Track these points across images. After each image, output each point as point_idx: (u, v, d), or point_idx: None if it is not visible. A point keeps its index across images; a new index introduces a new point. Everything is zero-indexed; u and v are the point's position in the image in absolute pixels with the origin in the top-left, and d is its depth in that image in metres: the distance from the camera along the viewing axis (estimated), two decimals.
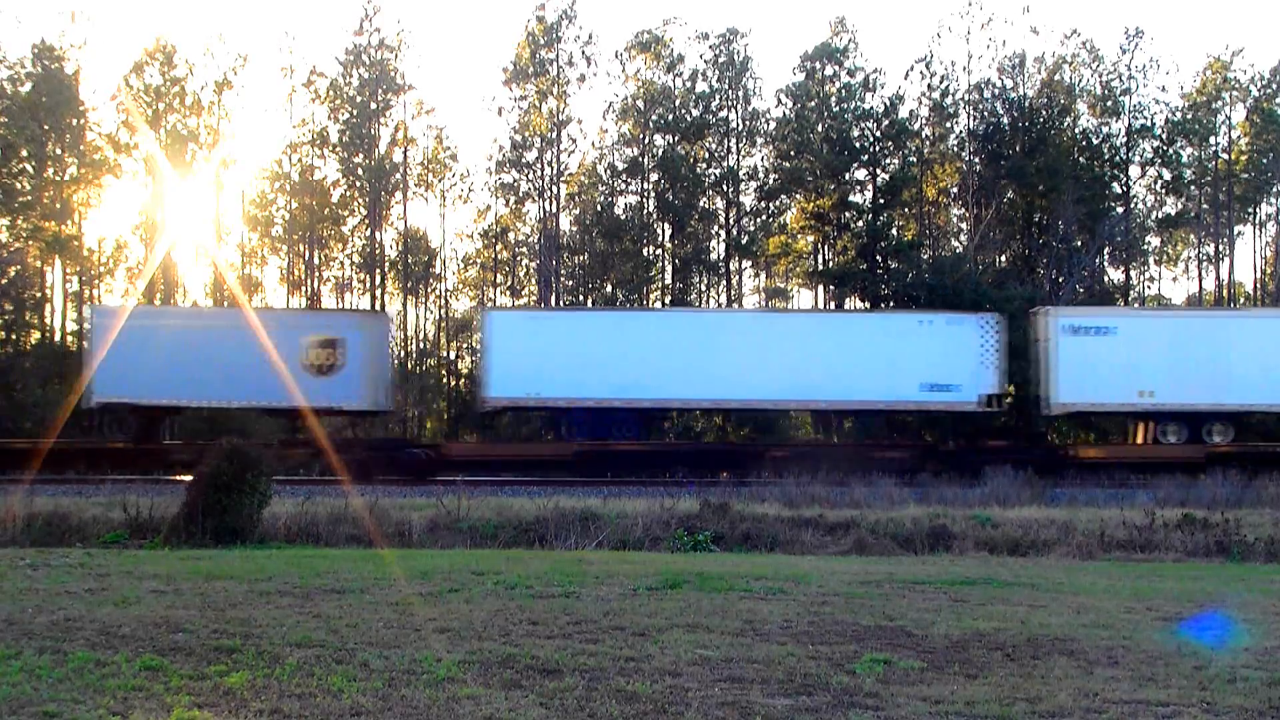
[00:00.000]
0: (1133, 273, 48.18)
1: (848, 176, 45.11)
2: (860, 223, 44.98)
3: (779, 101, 46.47)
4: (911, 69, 48.17)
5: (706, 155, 46.38)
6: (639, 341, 29.79)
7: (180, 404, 30.70)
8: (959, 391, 29.03)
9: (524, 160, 45.86)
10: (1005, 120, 44.45)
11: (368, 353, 30.04)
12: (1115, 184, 46.15)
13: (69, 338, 43.75)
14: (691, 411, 33.35)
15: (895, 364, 29.06)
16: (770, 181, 46.27)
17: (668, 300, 45.65)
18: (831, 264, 45.59)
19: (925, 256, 43.83)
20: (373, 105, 45.45)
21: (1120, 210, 45.43)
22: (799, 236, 47.93)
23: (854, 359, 29.23)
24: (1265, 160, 45.44)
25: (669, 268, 46.95)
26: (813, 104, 45.26)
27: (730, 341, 29.77)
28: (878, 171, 45.01)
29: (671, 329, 30.64)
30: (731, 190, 46.51)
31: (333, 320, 32.41)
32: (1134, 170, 46.54)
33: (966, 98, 45.03)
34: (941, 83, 45.11)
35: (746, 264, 47.93)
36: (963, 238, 46.51)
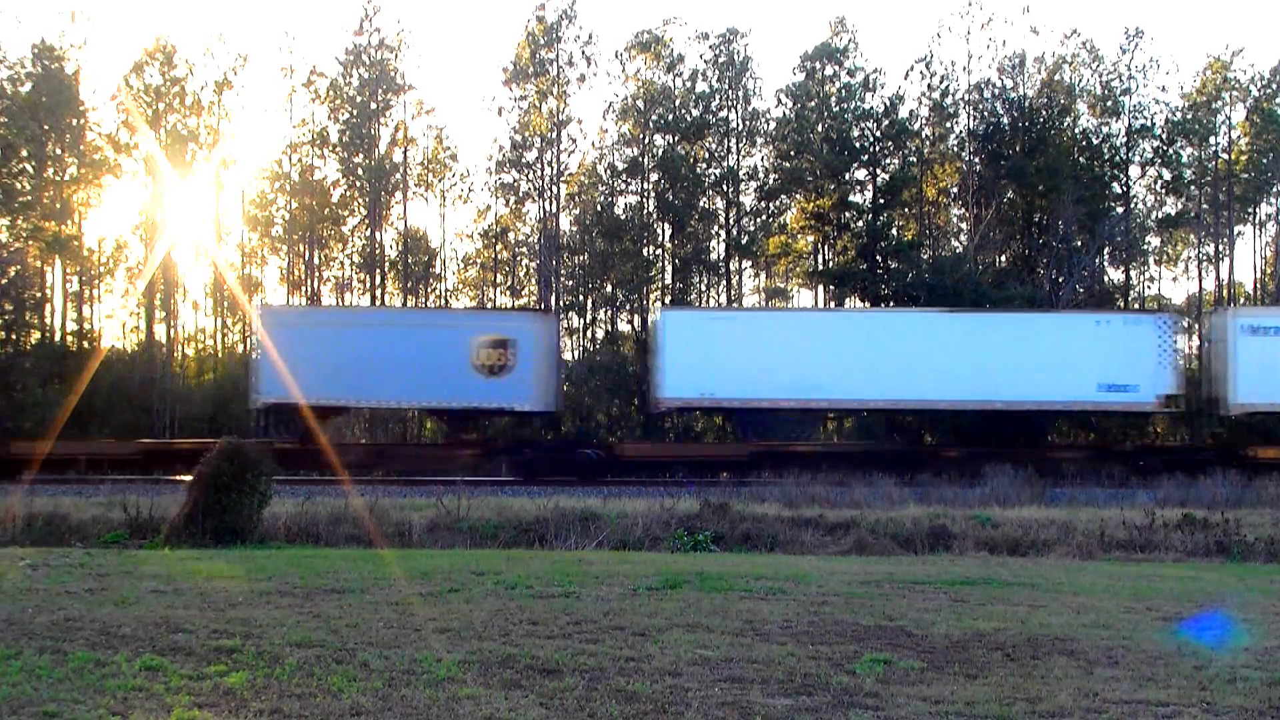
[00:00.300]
0: (1133, 273, 48.18)
1: (848, 176, 45.09)
2: (860, 223, 44.95)
3: (779, 101, 46.48)
4: (911, 69, 48.19)
5: (706, 155, 46.36)
6: (813, 341, 29.64)
7: (347, 404, 30.76)
8: (1136, 392, 28.79)
9: (524, 160, 45.84)
10: (1005, 120, 44.43)
11: (538, 352, 29.88)
12: (1115, 184, 46.13)
13: (69, 338, 43.76)
14: (860, 412, 32.86)
15: (1072, 364, 28.87)
16: (770, 181, 46.25)
17: (667, 300, 45.64)
18: (831, 264, 45.57)
19: (925, 256, 43.80)
20: (373, 105, 45.44)
21: (1120, 210, 45.41)
22: (799, 236, 47.91)
23: (1029, 359, 29.03)
24: (1265, 160, 45.41)
25: (669, 268, 46.93)
26: (813, 104, 45.24)
27: (905, 341, 29.55)
28: (878, 171, 45.00)
29: (845, 329, 30.56)
30: (731, 190, 46.50)
31: (504, 320, 32.14)
32: (1134, 170, 46.54)
33: (966, 98, 45.02)
34: (941, 83, 45.11)
35: (746, 264, 47.91)
36: (963, 238, 46.49)
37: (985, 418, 30.18)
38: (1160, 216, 47.69)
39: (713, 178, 46.17)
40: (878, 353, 29.25)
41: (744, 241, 45.83)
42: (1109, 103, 45.39)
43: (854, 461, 26.79)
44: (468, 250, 50.10)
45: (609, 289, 45.41)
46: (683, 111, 45.53)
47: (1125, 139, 45.67)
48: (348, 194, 46.78)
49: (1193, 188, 47.11)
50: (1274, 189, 46.66)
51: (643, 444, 33.66)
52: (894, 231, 44.65)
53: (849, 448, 31.69)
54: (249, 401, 30.76)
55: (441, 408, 30.35)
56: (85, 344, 42.68)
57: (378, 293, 46.68)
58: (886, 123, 44.39)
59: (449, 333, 29.81)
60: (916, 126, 45.71)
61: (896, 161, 45.31)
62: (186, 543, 15.04)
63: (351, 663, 6.79)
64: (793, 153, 45.14)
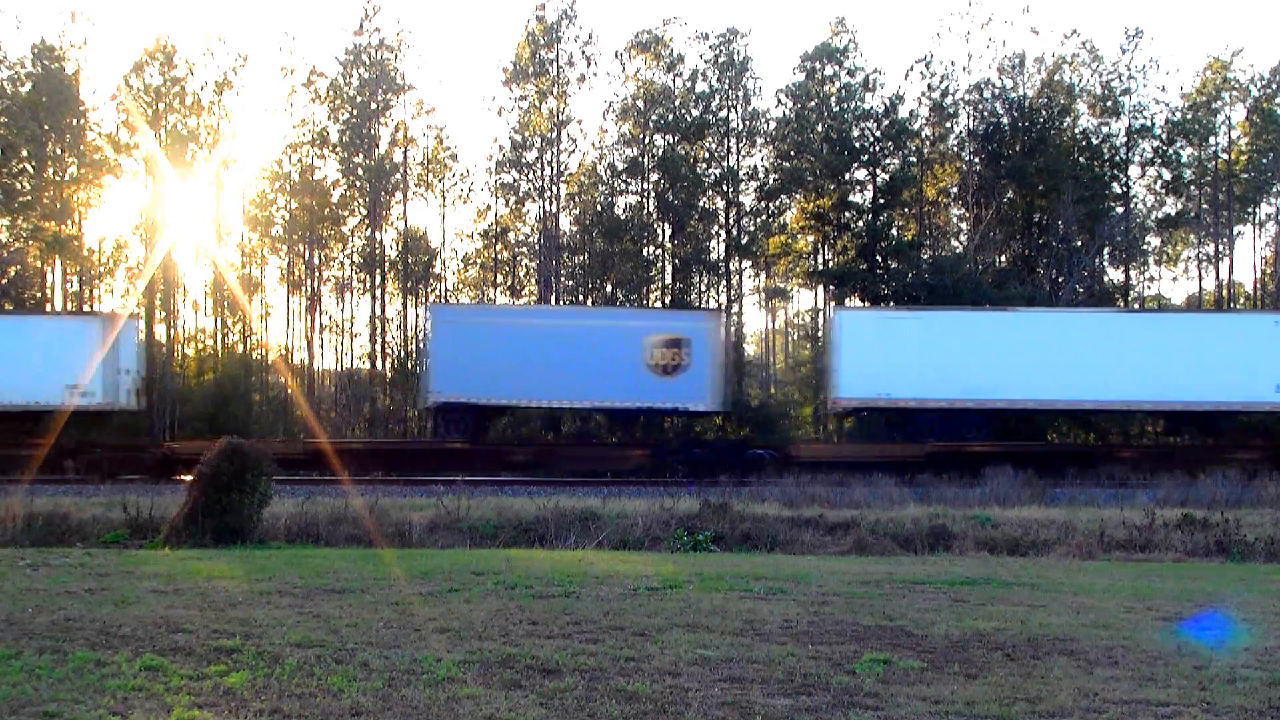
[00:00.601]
0: (1133, 273, 48.19)
1: (848, 176, 45.09)
2: (860, 223, 44.96)
3: (779, 101, 46.49)
4: (911, 69, 48.22)
5: (706, 155, 46.36)
6: (991, 341, 29.50)
7: (518, 404, 30.69)
8: None
9: (524, 160, 45.85)
10: (1005, 120, 44.43)
11: (711, 352, 29.77)
12: (1115, 184, 46.13)
13: None
14: (1037, 412, 32.65)
15: (1249, 364, 28.71)
16: (770, 181, 46.25)
17: (668, 300, 45.63)
18: (831, 264, 45.56)
19: (925, 256, 43.80)
20: (373, 105, 45.44)
21: (1120, 210, 45.42)
22: (799, 236, 47.91)
23: (1207, 359, 28.84)
24: (1265, 160, 45.41)
25: (669, 268, 46.93)
26: (813, 104, 45.24)
27: (1081, 341, 29.36)
28: (878, 171, 45.00)
29: (1023, 328, 30.32)
30: (731, 190, 46.50)
31: (677, 319, 32.00)
32: (1134, 170, 46.57)
33: (966, 98, 45.03)
34: (941, 83, 45.12)
35: (746, 264, 47.91)
36: (963, 238, 46.51)
37: (1162, 418, 29.97)
38: (1160, 216, 47.71)
39: (713, 178, 46.17)
40: (1054, 353, 29.07)
41: (744, 241, 45.83)
42: (1109, 103, 45.38)
43: (1033, 461, 26.40)
44: (468, 250, 50.16)
45: (609, 289, 45.40)
46: (683, 111, 45.53)
47: (1125, 139, 45.68)
48: (348, 194, 46.78)
49: (1193, 188, 47.12)
50: (1274, 189, 46.67)
51: (817, 445, 33.35)
52: (894, 231, 44.66)
53: (1026, 448, 31.13)
54: (420, 400, 30.53)
55: (613, 407, 30.28)
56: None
57: (378, 293, 46.71)
58: (886, 123, 44.39)
59: (622, 332, 29.77)
60: (916, 126, 45.72)
61: (896, 161, 45.31)
62: (186, 543, 15.04)
63: (351, 663, 6.79)
64: (793, 153, 45.15)
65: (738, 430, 36.64)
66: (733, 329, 32.96)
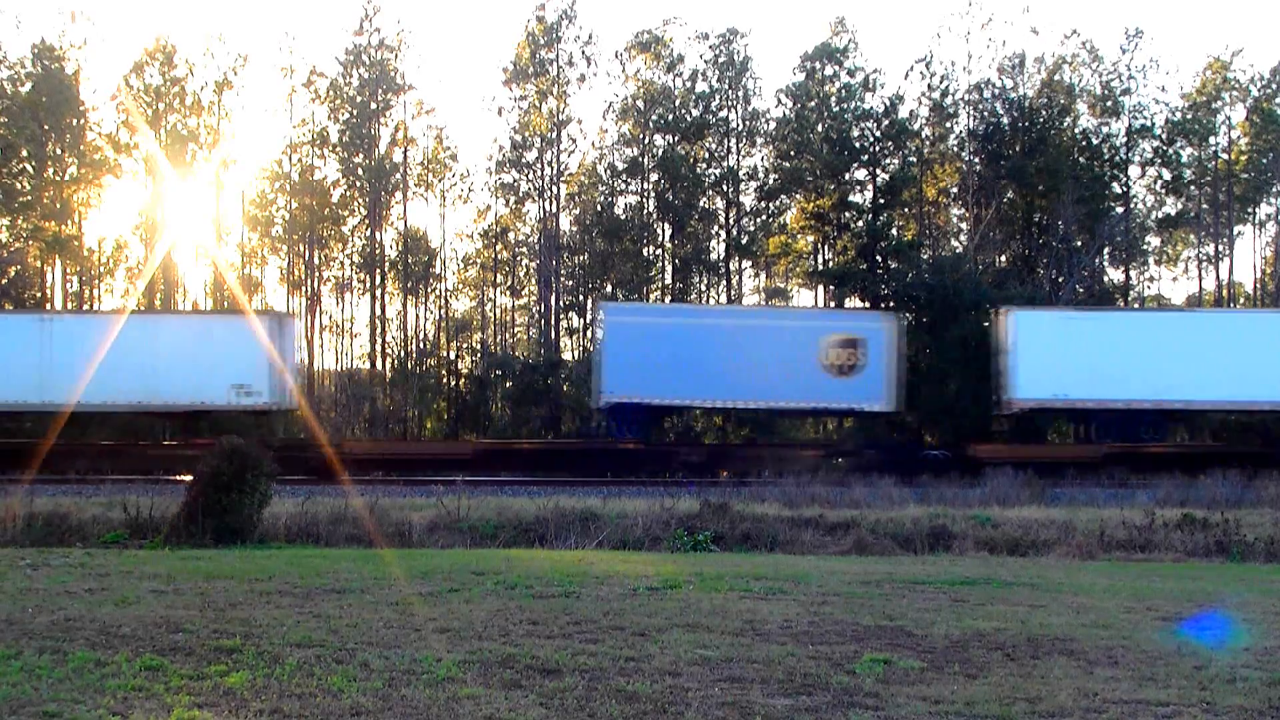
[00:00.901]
0: (1133, 273, 48.17)
1: (848, 176, 45.07)
2: (860, 223, 44.94)
3: (779, 101, 46.46)
4: (911, 69, 48.18)
5: (706, 155, 46.35)
6: (1168, 342, 29.41)
7: (691, 404, 30.64)
8: None
9: (524, 160, 45.83)
10: (1005, 120, 44.41)
11: (886, 352, 29.72)
12: (1115, 184, 46.10)
13: None
14: (1217, 413, 32.44)
15: None
16: (770, 181, 46.24)
17: (667, 300, 45.63)
18: (831, 264, 45.55)
19: (925, 256, 43.76)
20: (373, 105, 45.43)
21: (1120, 210, 45.40)
22: (799, 236, 47.89)
23: None
24: (1265, 160, 45.40)
25: (669, 268, 46.92)
26: (813, 104, 45.22)
27: (1257, 341, 29.25)
28: (878, 171, 44.99)
29: (1200, 329, 30.27)
30: (731, 190, 46.49)
31: (854, 319, 31.95)
32: (1134, 170, 46.52)
33: (966, 98, 45.00)
34: (941, 83, 45.09)
35: (746, 264, 47.91)
36: (963, 238, 46.48)
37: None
38: (1160, 216, 47.69)
39: (713, 178, 46.16)
40: (1227, 353, 28.91)
41: (744, 241, 45.83)
42: (1109, 103, 45.36)
43: (1216, 460, 26.18)
44: (468, 250, 50.14)
45: (609, 289, 45.39)
46: (683, 111, 45.52)
47: (1125, 139, 45.66)
48: (348, 194, 46.76)
49: (1193, 188, 47.10)
50: (1274, 189, 46.66)
51: (995, 445, 33.15)
52: (894, 231, 44.63)
53: (1204, 448, 31.18)
54: (591, 400, 30.48)
55: (788, 408, 30.20)
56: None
57: (378, 293, 46.70)
58: (886, 123, 44.37)
59: (797, 332, 29.72)
60: (916, 126, 45.69)
61: (896, 161, 45.30)
62: (186, 543, 15.04)
63: (351, 663, 6.79)
64: (793, 153, 45.13)
65: (911, 431, 36.51)
66: (905, 330, 32.91)
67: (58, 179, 43.32)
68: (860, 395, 29.35)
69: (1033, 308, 33.37)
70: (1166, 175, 46.35)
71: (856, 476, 24.23)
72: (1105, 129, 46.09)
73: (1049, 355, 29.07)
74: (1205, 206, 47.27)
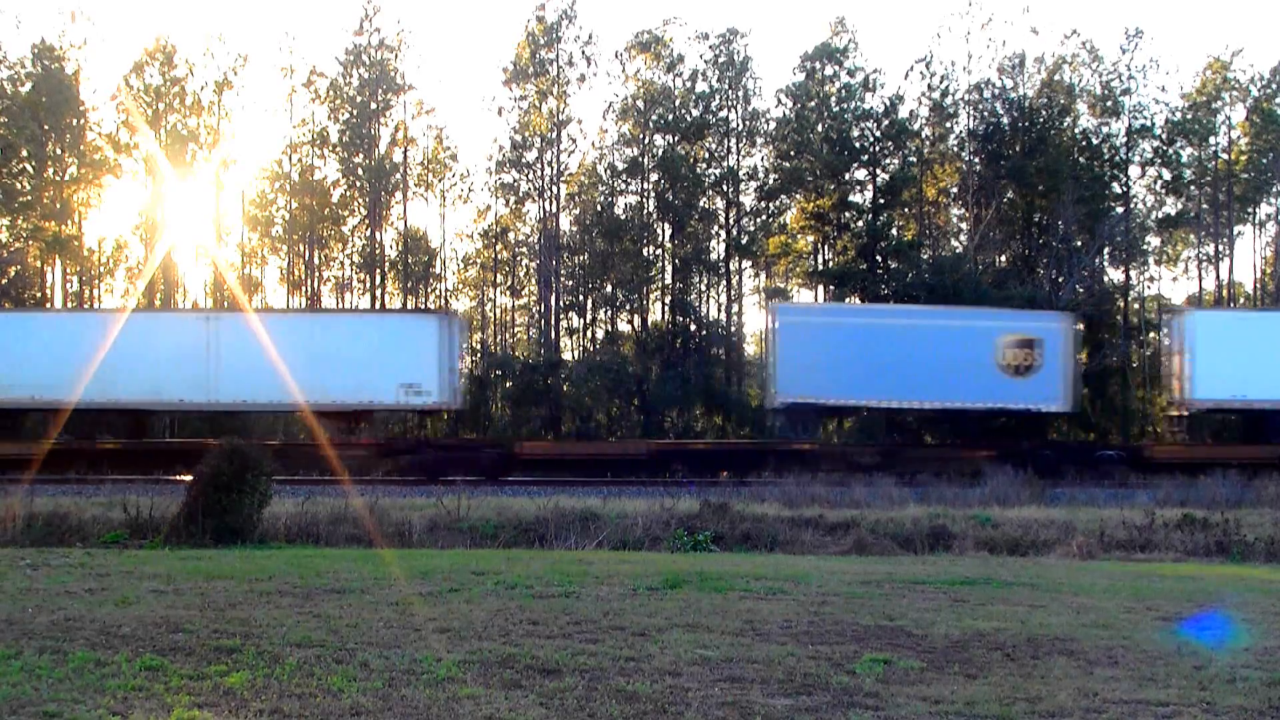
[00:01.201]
0: (1133, 273, 48.15)
1: (848, 176, 45.08)
2: (860, 223, 44.96)
3: (779, 101, 46.48)
4: (911, 69, 48.17)
5: (706, 155, 46.35)
6: None
7: (866, 404, 30.52)
8: None
9: (524, 160, 45.82)
10: (1005, 120, 44.41)
11: (1062, 352, 29.65)
12: (1115, 184, 46.11)
13: None
14: None
15: None
16: (770, 181, 46.24)
17: (668, 300, 45.61)
18: (831, 264, 45.56)
19: (925, 256, 43.79)
20: (373, 105, 45.43)
21: (1120, 210, 45.40)
22: (799, 236, 47.90)
23: None
24: (1265, 160, 45.39)
25: (669, 268, 46.91)
26: (813, 104, 45.23)
27: None
28: (878, 171, 45.00)
29: None
30: (731, 190, 46.49)
31: (1030, 320, 31.64)
32: (1134, 170, 46.53)
33: (966, 98, 45.01)
34: (941, 83, 45.10)
35: (746, 264, 47.91)
36: (963, 238, 46.49)
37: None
38: (1160, 216, 47.68)
39: (713, 178, 46.16)
40: None
41: (744, 241, 45.83)
42: (1109, 103, 45.37)
43: None
44: (468, 250, 50.14)
45: (609, 289, 45.39)
46: (683, 111, 45.51)
47: (1125, 139, 45.66)
48: (348, 194, 46.77)
49: (1193, 188, 47.09)
50: (1274, 189, 46.65)
51: (1171, 446, 32.81)
52: (894, 231, 44.65)
53: None
54: (764, 400, 30.34)
55: (963, 408, 30.04)
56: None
57: (378, 293, 46.69)
58: (886, 123, 44.38)
59: (972, 332, 29.59)
60: (916, 126, 45.71)
61: (896, 161, 45.31)
62: (186, 543, 15.04)
63: (351, 663, 6.79)
64: (793, 153, 45.14)
65: (1086, 431, 36.32)
66: (1079, 330, 32.86)
67: (58, 179, 43.33)
68: (1036, 396, 29.27)
69: (1211, 309, 33.13)
70: (1166, 175, 46.35)
71: (858, 477, 24.22)
72: (1105, 129, 46.11)
73: (1227, 356, 29.05)
74: (1205, 206, 47.26)
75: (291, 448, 29.64)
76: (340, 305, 47.07)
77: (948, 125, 46.29)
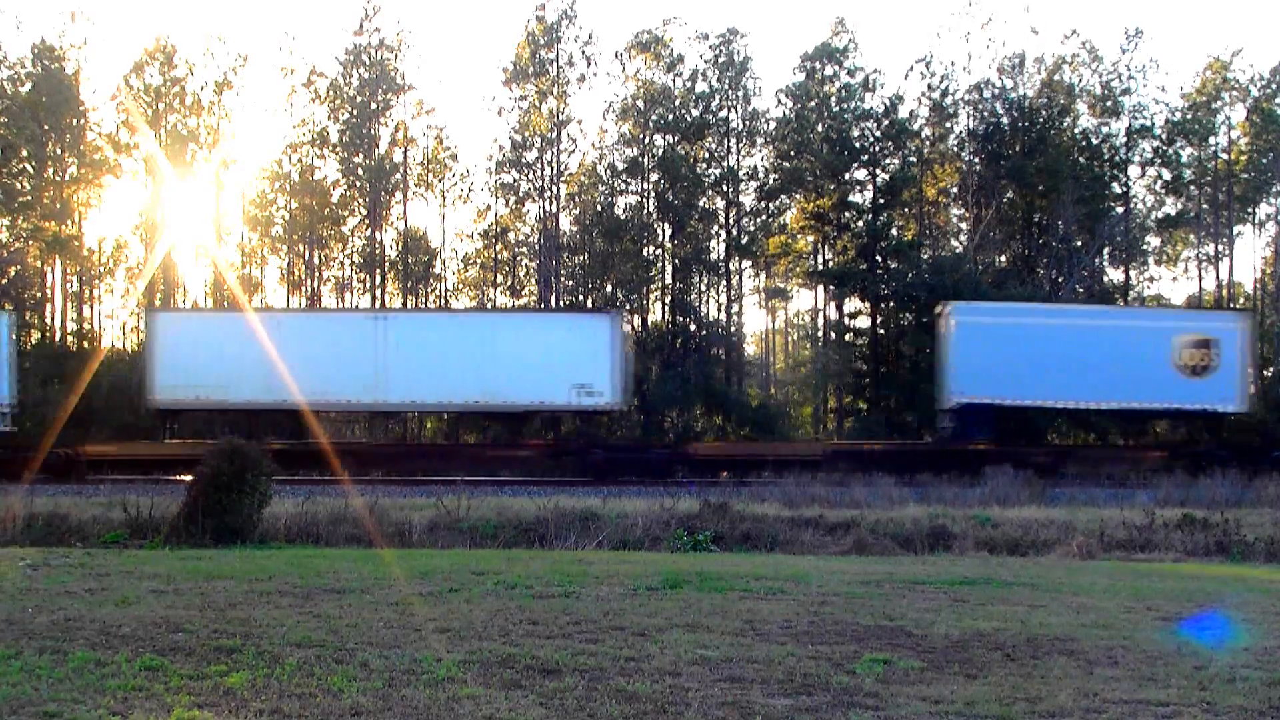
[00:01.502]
0: (1133, 273, 48.15)
1: (848, 176, 45.07)
2: (860, 223, 44.95)
3: (779, 101, 46.46)
4: (911, 69, 48.19)
5: (706, 155, 46.34)
6: None
7: (1041, 405, 30.50)
8: None
9: (524, 160, 45.82)
10: (1005, 120, 44.41)
11: (1239, 353, 29.59)
12: (1115, 184, 46.10)
13: (69, 338, 43.72)
14: None
15: None
16: (770, 181, 46.23)
17: (668, 300, 45.60)
18: (831, 264, 45.56)
19: (925, 256, 43.79)
20: (373, 105, 45.43)
21: (1120, 210, 45.40)
22: (799, 236, 47.89)
23: None
24: (1265, 160, 45.38)
25: (669, 268, 46.90)
26: (813, 104, 45.22)
27: None
28: (878, 171, 44.99)
29: None
30: (731, 190, 46.47)
31: (1207, 320, 31.70)
32: (1134, 170, 46.52)
33: (966, 98, 45.02)
34: (941, 83, 45.11)
35: (746, 264, 47.90)
36: (963, 238, 46.49)
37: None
38: (1160, 216, 47.67)
39: (713, 178, 46.14)
40: None
41: (744, 241, 45.82)
42: (1109, 103, 45.35)
43: None
44: (468, 250, 50.13)
45: (609, 289, 45.37)
46: (683, 111, 45.50)
47: (1125, 139, 45.65)
48: (348, 194, 46.78)
49: (1193, 188, 47.08)
50: (1274, 189, 46.63)
51: None
52: (894, 231, 44.65)
53: None
54: (939, 400, 30.63)
55: (1138, 408, 30.01)
56: (85, 344, 42.62)
57: (378, 293, 46.68)
58: (886, 123, 44.38)
59: (1151, 332, 29.59)
60: (916, 126, 45.70)
61: (896, 161, 45.30)
62: (186, 543, 15.04)
63: (351, 663, 6.79)
64: (793, 153, 45.13)
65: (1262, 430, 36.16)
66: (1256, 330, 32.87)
67: (58, 179, 43.32)
68: (1213, 396, 29.23)
69: None
70: (1166, 175, 46.34)
71: (856, 476, 24.21)
72: (1105, 129, 46.09)
73: None
74: (1205, 206, 47.25)
75: (460, 448, 29.42)
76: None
77: (948, 125, 46.29)
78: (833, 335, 46.61)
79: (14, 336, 30.16)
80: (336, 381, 28.54)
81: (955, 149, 46.40)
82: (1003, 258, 46.12)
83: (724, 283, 46.81)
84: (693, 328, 44.27)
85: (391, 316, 30.37)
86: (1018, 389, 29.23)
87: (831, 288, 45.54)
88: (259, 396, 28.28)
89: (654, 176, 45.54)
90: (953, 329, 30.12)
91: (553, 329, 29.97)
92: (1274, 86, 46.07)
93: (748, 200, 47.12)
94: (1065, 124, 45.45)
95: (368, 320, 29.92)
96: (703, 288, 47.40)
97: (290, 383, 27.90)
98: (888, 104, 44.63)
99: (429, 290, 49.01)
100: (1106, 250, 44.58)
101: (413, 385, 28.35)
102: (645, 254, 46.11)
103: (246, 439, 28.24)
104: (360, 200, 46.56)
